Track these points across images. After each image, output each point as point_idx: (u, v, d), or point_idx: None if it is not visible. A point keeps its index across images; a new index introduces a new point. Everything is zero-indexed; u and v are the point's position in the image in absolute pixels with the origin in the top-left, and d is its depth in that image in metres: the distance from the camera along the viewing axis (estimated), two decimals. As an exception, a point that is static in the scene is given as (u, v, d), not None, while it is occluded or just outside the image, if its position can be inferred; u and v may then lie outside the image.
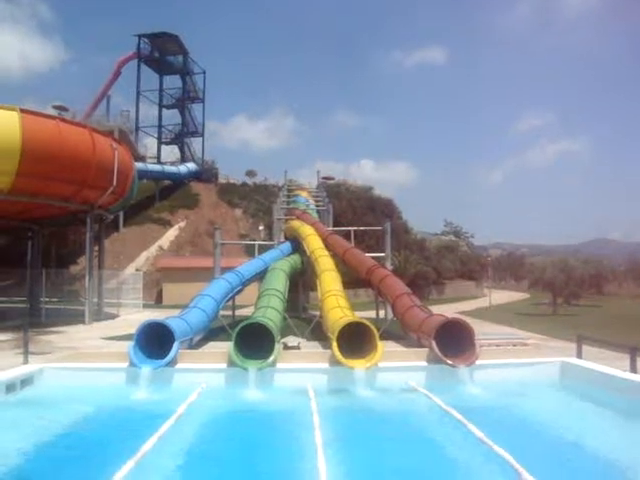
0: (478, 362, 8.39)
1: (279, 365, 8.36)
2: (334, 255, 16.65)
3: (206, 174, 50.51)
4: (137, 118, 48.54)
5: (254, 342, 8.54)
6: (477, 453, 5.11)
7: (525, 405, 7.37)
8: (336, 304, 11.31)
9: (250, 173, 53.41)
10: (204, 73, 52.75)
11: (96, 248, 22.91)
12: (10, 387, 7.11)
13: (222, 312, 13.39)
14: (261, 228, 39.40)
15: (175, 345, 8.29)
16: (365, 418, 6.86)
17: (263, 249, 19.99)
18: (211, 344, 11.69)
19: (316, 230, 19.01)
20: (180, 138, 51.18)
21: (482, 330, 14.16)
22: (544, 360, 8.91)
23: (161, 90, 50.08)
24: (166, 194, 44.90)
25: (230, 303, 16.16)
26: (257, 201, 46.46)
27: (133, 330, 8.71)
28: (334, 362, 8.33)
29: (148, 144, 51.45)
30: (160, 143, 50.40)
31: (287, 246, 19.42)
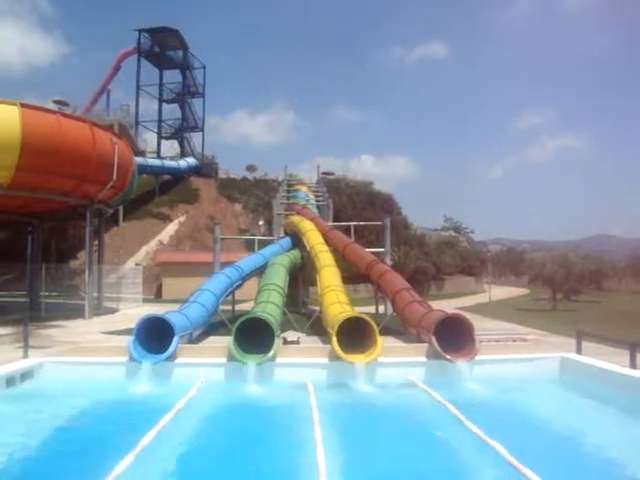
0: (478, 357, 8.40)
1: (279, 360, 8.36)
2: (334, 250, 16.64)
3: (206, 169, 50.40)
4: (137, 113, 48.43)
5: (254, 337, 8.54)
6: (476, 448, 5.11)
7: (524, 400, 7.38)
8: (336, 299, 11.32)
9: (250, 168, 53.38)
10: (204, 68, 52.61)
11: (96, 243, 22.94)
12: (10, 381, 7.11)
13: (222, 307, 13.41)
14: (261, 223, 39.33)
15: (175, 340, 8.28)
16: (364, 413, 6.87)
17: (263, 244, 19.96)
18: (211, 339, 11.70)
19: (316, 225, 19.02)
20: (180, 133, 51.01)
21: (482, 325, 14.21)
22: (543, 356, 8.91)
23: (161, 85, 49.87)
24: (166, 189, 44.81)
25: (230, 298, 16.17)
26: (257, 196, 46.44)
27: (133, 324, 8.70)
28: (334, 357, 8.32)
29: (148, 139, 51.42)
30: (160, 138, 50.21)
31: (287, 241, 19.42)
